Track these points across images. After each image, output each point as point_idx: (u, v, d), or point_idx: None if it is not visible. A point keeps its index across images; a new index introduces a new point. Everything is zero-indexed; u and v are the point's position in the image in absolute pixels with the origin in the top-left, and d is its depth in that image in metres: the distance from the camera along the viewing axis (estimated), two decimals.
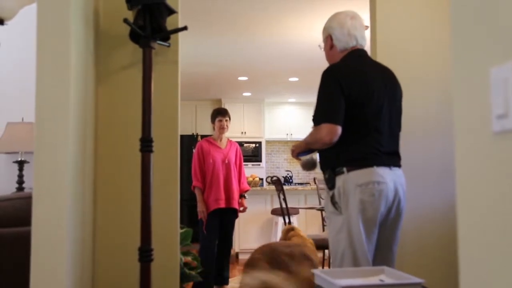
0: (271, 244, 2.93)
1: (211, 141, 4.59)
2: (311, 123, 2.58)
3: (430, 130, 3.09)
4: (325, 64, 2.46)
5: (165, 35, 2.43)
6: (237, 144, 4.74)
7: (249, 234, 6.65)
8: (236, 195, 4.51)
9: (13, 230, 2.25)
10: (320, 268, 4.79)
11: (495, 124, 0.84)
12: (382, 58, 2.91)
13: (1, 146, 4.03)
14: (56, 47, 2.07)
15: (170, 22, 2.42)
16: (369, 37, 2.82)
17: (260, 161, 9.28)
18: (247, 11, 4.72)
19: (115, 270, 2.44)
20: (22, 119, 4.14)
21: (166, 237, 2.49)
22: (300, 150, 2.48)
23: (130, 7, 2.34)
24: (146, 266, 2.24)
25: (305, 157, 2.54)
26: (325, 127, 2.19)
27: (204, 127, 8.96)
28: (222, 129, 4.58)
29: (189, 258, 3.20)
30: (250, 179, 6.95)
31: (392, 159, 2.28)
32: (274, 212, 6.40)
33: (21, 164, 4.05)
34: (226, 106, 8.73)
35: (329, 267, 4.57)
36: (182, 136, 6.72)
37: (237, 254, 6.65)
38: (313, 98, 2.63)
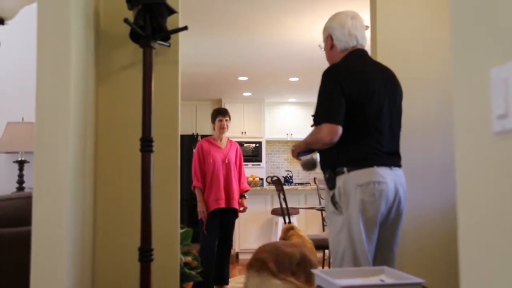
0: (274, 243, 2.93)
1: (211, 141, 4.59)
2: (311, 123, 2.59)
3: (430, 130, 3.09)
4: (325, 64, 2.46)
5: (166, 35, 2.43)
6: (237, 144, 4.74)
7: (249, 234, 6.65)
8: (236, 195, 4.51)
9: (13, 230, 2.25)
10: (320, 268, 4.79)
11: (495, 124, 0.84)
12: (382, 58, 2.91)
13: (1, 146, 4.03)
14: (57, 47, 2.07)
15: (170, 22, 2.42)
16: (369, 37, 2.82)
17: (260, 161, 9.28)
18: (247, 11, 4.72)
19: (115, 270, 2.44)
20: (22, 119, 4.14)
21: (166, 237, 2.49)
22: (301, 150, 2.48)
23: (130, 7, 2.35)
24: (146, 266, 2.24)
25: (305, 157, 2.54)
26: (326, 127, 2.19)
27: (204, 127, 8.96)
28: (222, 129, 4.58)
29: (189, 258, 3.20)
30: (250, 179, 6.96)
31: (393, 159, 2.28)
32: (274, 212, 6.40)
33: (21, 164, 4.05)
34: (226, 106, 8.73)
35: (329, 267, 4.57)
36: (182, 136, 6.72)
37: (237, 254, 6.65)
38: (313, 98, 2.63)
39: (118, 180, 2.49)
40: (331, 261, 2.60)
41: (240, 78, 7.68)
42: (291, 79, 7.69)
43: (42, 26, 2.07)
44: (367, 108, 2.23)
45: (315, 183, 6.00)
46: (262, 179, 8.60)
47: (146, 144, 2.30)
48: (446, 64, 3.09)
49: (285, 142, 9.76)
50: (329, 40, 2.43)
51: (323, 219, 5.27)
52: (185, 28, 2.46)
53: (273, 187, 6.02)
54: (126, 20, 2.28)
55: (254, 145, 9.27)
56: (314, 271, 1.83)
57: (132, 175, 2.43)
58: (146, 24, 2.32)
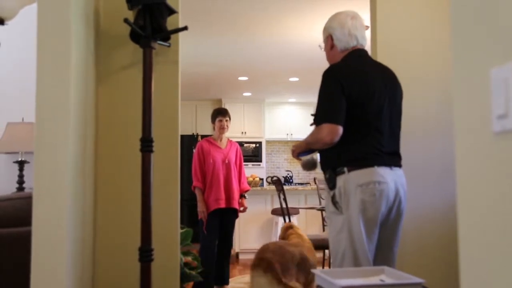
0: (278, 243, 2.94)
1: (211, 141, 4.59)
2: (311, 122, 2.59)
3: (430, 130, 3.09)
4: (325, 64, 2.46)
5: (166, 35, 2.43)
6: (237, 144, 4.74)
7: (249, 234, 6.65)
8: (236, 195, 4.51)
9: (13, 230, 2.25)
10: (320, 268, 4.79)
11: (496, 124, 0.84)
12: (382, 58, 2.91)
13: (1, 146, 4.03)
14: (57, 47, 2.07)
15: (170, 22, 2.42)
16: (369, 37, 2.82)
17: (260, 161, 9.28)
18: (247, 11, 4.72)
19: (115, 270, 2.44)
20: (22, 119, 4.14)
21: (166, 237, 2.49)
22: (301, 150, 2.48)
23: (130, 7, 2.34)
24: (146, 266, 2.24)
25: (306, 157, 2.54)
26: (326, 127, 2.19)
27: (204, 127, 8.96)
28: (222, 129, 4.58)
29: (189, 258, 3.20)
30: (250, 179, 6.96)
31: (393, 159, 2.28)
32: (274, 212, 6.40)
33: (21, 164, 4.05)
34: (226, 106, 8.73)
35: (329, 267, 4.57)
36: (182, 136, 6.72)
37: (237, 254, 6.65)
38: (313, 98, 2.63)
39: (118, 180, 2.49)
40: (331, 261, 2.60)
41: (240, 78, 7.68)
42: (291, 79, 7.69)
43: (42, 26, 2.07)
44: (368, 108, 2.23)
45: (315, 183, 6.00)
46: (262, 179, 8.60)
47: (146, 144, 2.30)
48: (446, 64, 3.09)
49: (285, 142, 9.76)
50: (329, 40, 2.43)
51: (323, 219, 5.27)
52: (185, 28, 2.46)
53: (273, 187, 6.02)
54: (126, 20, 2.28)
55: (254, 145, 9.27)
56: (314, 271, 1.83)
57: (132, 175, 2.43)
58: (146, 24, 2.32)
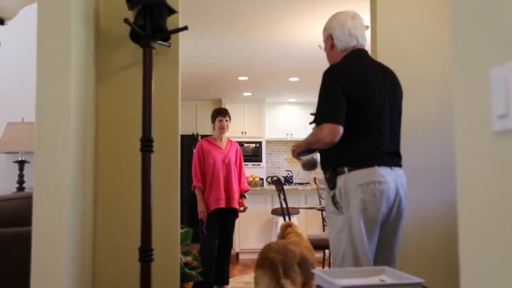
0: (281, 242, 2.94)
1: (211, 141, 4.59)
2: (310, 121, 2.59)
3: (430, 130, 3.09)
4: (325, 64, 2.46)
5: (166, 35, 2.43)
6: (237, 144, 4.74)
7: (249, 234, 6.65)
8: (236, 195, 4.51)
9: (13, 230, 2.25)
10: (320, 268, 4.79)
11: (496, 124, 0.84)
12: (382, 58, 2.91)
13: (1, 146, 4.03)
14: (57, 47, 2.07)
15: (170, 22, 2.42)
16: (369, 37, 2.82)
17: (260, 161, 9.28)
18: (247, 11, 4.72)
19: (115, 270, 2.44)
20: (23, 119, 4.14)
21: (167, 237, 2.49)
22: (301, 150, 2.48)
23: (130, 7, 2.35)
24: (146, 266, 2.24)
25: (306, 157, 2.54)
26: (327, 127, 2.18)
27: (205, 127, 8.96)
28: (222, 129, 4.57)
29: (189, 258, 3.21)
30: (250, 179, 6.95)
31: (393, 159, 2.28)
32: (274, 212, 6.40)
33: (21, 164, 4.05)
34: (226, 106, 8.73)
35: (329, 267, 4.57)
36: (182, 136, 6.72)
37: (237, 254, 6.65)
38: (313, 98, 2.63)
39: (118, 180, 2.49)
40: (331, 261, 2.60)
41: (240, 78, 7.68)
42: (291, 79, 7.69)
43: (42, 26, 2.07)
44: (368, 108, 2.23)
45: (315, 183, 6.01)
46: (262, 179, 8.60)
47: (146, 144, 2.30)
48: (446, 64, 3.09)
49: (285, 142, 9.76)
50: (329, 40, 2.43)
51: (323, 219, 5.27)
52: (185, 28, 2.46)
53: (273, 187, 6.02)
54: (126, 20, 2.28)
55: (254, 145, 9.27)
56: (314, 271, 1.83)
57: (132, 175, 2.43)
58: (146, 24, 2.32)
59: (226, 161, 4.50)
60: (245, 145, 9.12)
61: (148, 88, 2.32)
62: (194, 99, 9.22)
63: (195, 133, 8.89)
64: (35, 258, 1.97)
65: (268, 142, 9.61)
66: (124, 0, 2.34)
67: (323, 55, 2.55)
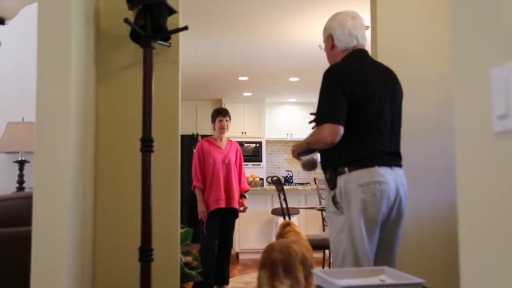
0: (283, 242, 2.95)
1: (211, 141, 4.59)
2: (309, 120, 2.59)
3: (430, 130, 3.09)
4: (325, 64, 2.46)
5: (166, 35, 2.43)
6: (237, 144, 4.74)
7: (249, 234, 6.65)
8: (236, 195, 4.51)
9: (14, 230, 2.25)
10: (320, 268, 4.80)
11: (496, 125, 0.84)
12: (382, 58, 2.91)
13: (1, 145, 4.03)
14: (57, 47, 2.07)
15: (170, 22, 2.42)
16: (369, 37, 2.82)
17: (261, 161, 9.28)
18: (247, 11, 4.72)
19: (115, 270, 2.44)
20: (23, 119, 4.14)
21: (167, 237, 2.49)
22: (301, 150, 2.48)
23: (130, 7, 2.35)
24: (146, 266, 2.24)
25: (306, 157, 2.54)
26: (327, 127, 2.18)
27: (205, 127, 8.96)
28: (222, 129, 4.57)
29: (189, 258, 3.21)
30: (251, 179, 6.96)
31: (394, 159, 2.28)
32: (275, 212, 6.40)
33: (21, 163, 4.05)
34: (226, 106, 8.73)
35: (329, 267, 4.57)
36: (182, 136, 6.73)
37: (237, 254, 6.65)
38: (313, 98, 2.64)
39: (118, 180, 2.49)
40: (331, 261, 2.60)
41: (240, 78, 7.68)
42: (291, 79, 7.69)
43: (43, 26, 2.07)
44: (368, 108, 2.23)
45: (316, 183, 6.01)
46: (262, 179, 8.60)
47: (147, 144, 2.30)
48: (446, 64, 3.09)
49: (285, 142, 9.76)
50: (329, 40, 2.43)
51: (323, 219, 5.27)
52: (186, 28, 2.46)
53: (273, 187, 6.02)
54: (126, 20, 2.28)
55: (254, 145, 9.27)
56: (314, 271, 1.83)
57: (133, 175, 2.43)
58: (146, 24, 2.32)
59: (226, 161, 4.50)
60: (245, 145, 9.12)
61: (148, 88, 2.32)
62: (194, 99, 9.22)
63: (195, 133, 8.90)
64: (35, 258, 1.97)
65: (268, 142, 9.61)
66: (125, 0, 2.34)
67: (323, 55, 2.55)
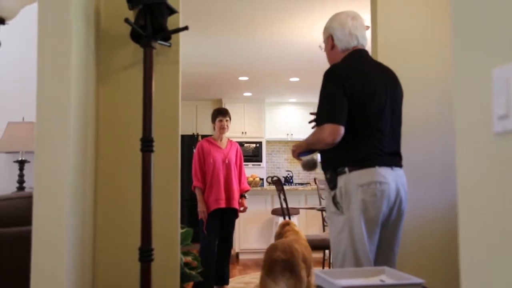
0: (285, 241, 2.95)
1: (211, 141, 4.58)
2: (309, 120, 2.59)
3: (430, 130, 3.09)
4: (326, 64, 2.46)
5: (166, 35, 2.43)
6: (237, 144, 4.74)
7: (249, 234, 6.65)
8: (236, 195, 4.51)
9: (14, 229, 2.25)
10: (320, 268, 4.80)
11: (496, 125, 0.84)
12: (382, 58, 2.91)
13: (1, 145, 4.03)
14: (57, 46, 2.07)
15: (171, 22, 2.42)
16: (369, 37, 2.82)
17: (261, 161, 9.28)
18: (247, 11, 4.72)
19: (116, 270, 2.44)
20: (23, 119, 4.14)
21: (167, 237, 2.49)
22: (301, 150, 2.48)
23: (131, 7, 2.35)
24: (146, 266, 2.24)
25: (306, 157, 2.54)
26: (328, 127, 2.18)
27: (205, 127, 8.96)
28: (222, 129, 4.57)
29: (189, 258, 3.21)
30: (251, 179, 6.96)
31: (394, 159, 2.28)
32: (275, 212, 6.40)
33: (21, 163, 4.05)
34: (226, 106, 8.73)
35: (329, 267, 4.57)
36: (182, 136, 6.72)
37: (237, 254, 6.65)
38: (313, 98, 2.64)
39: (118, 180, 2.49)
40: (331, 261, 2.60)
41: (241, 78, 7.68)
42: (292, 79, 7.69)
43: (43, 26, 2.07)
44: (369, 109, 2.23)
45: (316, 183, 6.01)
46: (262, 179, 8.60)
47: (147, 144, 2.30)
48: (446, 64, 3.09)
49: (286, 142, 9.76)
50: (330, 40, 2.43)
51: (323, 219, 5.27)
52: (186, 28, 2.46)
53: (273, 187, 6.02)
54: (126, 20, 2.28)
55: (254, 145, 9.27)
56: (314, 271, 1.83)
57: (133, 175, 2.43)
58: (146, 24, 2.32)
59: (226, 161, 4.50)
60: (245, 145, 9.12)
61: (149, 88, 2.32)
62: (194, 99, 9.22)
63: (195, 133, 8.90)
64: (35, 258, 1.97)
65: (268, 142, 9.61)
66: (125, 0, 2.34)
67: (323, 55, 2.55)
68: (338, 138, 2.18)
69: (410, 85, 2.73)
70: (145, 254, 2.24)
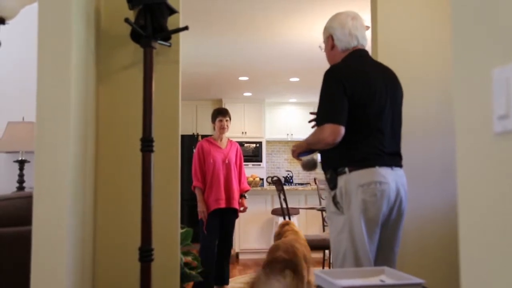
0: (287, 241, 2.95)
1: (211, 141, 4.58)
2: (309, 119, 2.59)
3: (430, 130, 3.09)
4: (326, 64, 2.46)
5: (166, 35, 2.43)
6: (237, 144, 4.74)
7: (249, 234, 6.65)
8: (236, 195, 4.51)
9: (14, 229, 2.25)
10: (320, 268, 4.80)
11: (496, 125, 0.84)
12: (382, 58, 2.91)
13: (1, 145, 4.03)
14: (57, 46, 2.07)
15: (171, 22, 2.43)
16: (370, 37, 2.82)
17: (261, 161, 9.28)
18: (247, 11, 4.72)
19: (115, 270, 2.44)
20: (23, 119, 4.14)
21: (167, 237, 2.49)
22: (301, 150, 2.48)
23: (131, 7, 2.35)
24: (146, 266, 2.24)
25: (306, 158, 2.54)
26: (328, 128, 2.18)
27: (205, 127, 8.96)
28: (222, 129, 4.57)
29: (189, 258, 3.21)
30: (251, 179, 6.96)
31: (394, 159, 2.28)
32: (275, 212, 6.40)
33: (21, 163, 4.06)
34: (226, 106, 8.73)
35: (329, 267, 4.57)
36: (182, 136, 6.73)
37: (237, 254, 6.65)
38: (313, 98, 2.64)
39: (118, 180, 2.49)
40: (331, 261, 2.60)
41: (241, 78, 7.68)
42: (292, 79, 7.69)
43: (43, 25, 2.07)
44: (369, 109, 2.23)
45: (316, 183, 6.01)
46: (262, 179, 8.60)
47: (147, 144, 2.30)
48: (446, 64, 3.09)
49: (286, 142, 9.76)
50: (330, 40, 2.43)
51: (323, 219, 5.27)
52: (186, 28, 2.46)
53: (273, 187, 6.02)
54: (127, 20, 2.28)
55: (254, 145, 9.27)
56: (314, 271, 1.83)
57: (133, 175, 2.43)
58: (147, 24, 2.32)
59: (226, 161, 4.50)
60: (245, 145, 9.12)
61: (149, 88, 2.33)
62: (194, 99, 9.22)
63: (195, 133, 8.90)
64: (35, 258, 1.97)
65: (268, 142, 9.61)
66: (125, 0, 2.34)
67: (323, 55, 2.55)
68: (339, 138, 2.18)
69: (410, 85, 2.73)
70: (145, 254, 2.24)
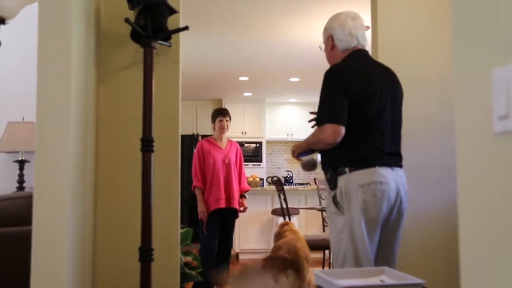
0: (288, 242, 2.96)
1: (211, 141, 4.58)
2: (309, 119, 2.59)
3: (430, 130, 3.09)
4: (326, 64, 2.46)
5: (166, 35, 2.43)
6: (237, 144, 4.74)
7: (249, 234, 6.65)
8: (236, 195, 4.51)
9: (14, 229, 2.25)
10: (320, 268, 4.80)
11: (497, 125, 0.84)
12: (382, 58, 2.92)
13: (1, 145, 4.03)
14: (57, 46, 2.07)
15: (171, 22, 2.42)
16: (370, 37, 2.82)
17: (261, 161, 9.28)
18: (247, 11, 4.72)
19: (115, 270, 2.44)
20: (23, 119, 4.14)
21: (167, 237, 2.49)
22: (301, 150, 2.48)
23: (131, 7, 2.35)
24: (146, 266, 2.24)
25: (306, 158, 2.54)
26: (329, 128, 2.18)
27: (205, 127, 8.95)
28: (222, 129, 4.57)
29: (189, 258, 3.21)
30: (251, 179, 6.96)
31: (394, 159, 2.28)
32: (275, 212, 6.40)
33: (21, 163, 4.06)
34: (226, 106, 8.73)
35: (329, 267, 4.57)
36: (182, 136, 6.72)
37: (237, 254, 6.65)
38: (314, 98, 2.64)
39: (118, 180, 2.49)
40: (332, 261, 2.60)
41: (241, 78, 7.68)
42: (292, 79, 7.69)
43: (43, 25, 2.07)
44: (369, 109, 2.23)
45: (316, 183, 6.01)
46: (262, 179, 8.60)
47: (147, 144, 2.30)
48: (446, 64, 3.09)
49: (286, 142, 9.76)
50: (330, 41, 2.43)
51: (323, 220, 5.27)
52: (186, 28, 2.46)
53: (273, 187, 6.02)
54: (127, 20, 2.28)
55: (254, 145, 9.27)
56: (314, 271, 1.83)
57: (133, 175, 2.43)
58: (147, 24, 2.32)
59: (226, 161, 4.50)
60: (245, 145, 9.12)
61: (149, 88, 2.33)
62: (194, 99, 9.22)
63: (195, 133, 8.89)
64: (35, 258, 1.97)
65: (268, 142, 9.61)
66: (125, 0, 2.34)
67: (323, 55, 2.55)
68: (339, 138, 2.18)
69: (410, 85, 2.73)
70: (145, 254, 2.24)
